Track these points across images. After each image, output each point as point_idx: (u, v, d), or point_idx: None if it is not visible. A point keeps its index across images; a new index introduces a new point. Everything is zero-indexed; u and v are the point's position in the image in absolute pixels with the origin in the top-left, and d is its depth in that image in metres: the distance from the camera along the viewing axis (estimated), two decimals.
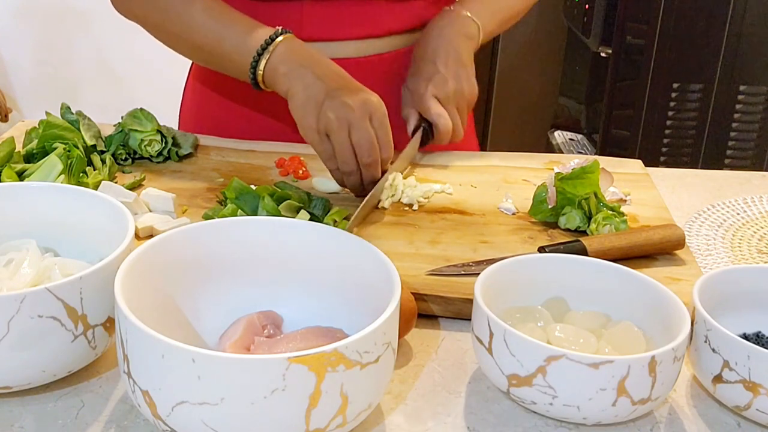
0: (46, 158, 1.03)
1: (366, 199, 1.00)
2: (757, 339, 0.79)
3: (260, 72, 1.02)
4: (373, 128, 0.99)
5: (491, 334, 0.71)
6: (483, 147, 1.38)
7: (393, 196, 1.05)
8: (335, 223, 0.94)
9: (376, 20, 1.15)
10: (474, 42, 1.17)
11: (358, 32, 1.15)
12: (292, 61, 1.01)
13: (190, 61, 1.30)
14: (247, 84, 1.06)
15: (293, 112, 1.01)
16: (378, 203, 1.04)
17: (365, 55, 1.17)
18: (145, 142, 1.12)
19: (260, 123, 1.21)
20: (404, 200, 1.05)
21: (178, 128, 1.31)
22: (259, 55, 1.02)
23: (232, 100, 1.22)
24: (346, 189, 1.05)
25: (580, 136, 2.64)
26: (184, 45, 1.10)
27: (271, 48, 1.02)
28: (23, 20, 2.91)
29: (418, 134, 1.12)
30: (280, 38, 1.02)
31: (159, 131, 1.13)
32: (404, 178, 1.09)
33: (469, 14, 1.17)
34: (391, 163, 1.05)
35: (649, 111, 2.22)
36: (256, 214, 0.95)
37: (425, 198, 1.06)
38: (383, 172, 1.03)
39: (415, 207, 1.04)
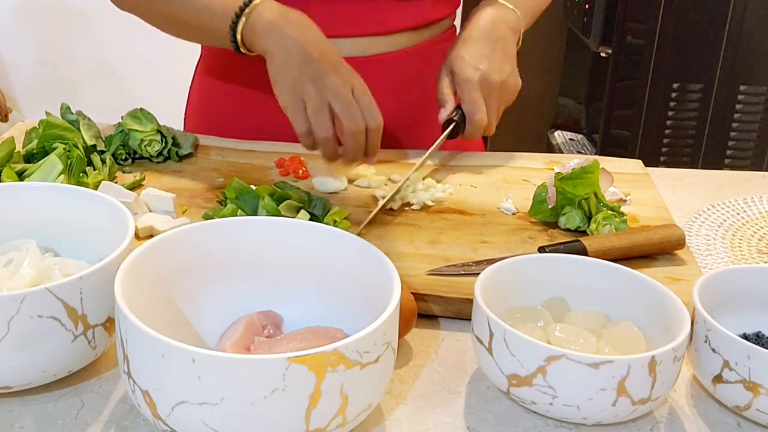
0: (46, 158, 1.03)
1: (379, 205, 0.99)
2: (757, 339, 0.79)
3: (239, 35, 1.01)
4: (355, 98, 0.97)
5: (491, 334, 0.71)
6: (485, 147, 1.38)
7: (402, 198, 1.05)
8: (335, 223, 0.94)
9: (381, 18, 1.15)
10: (517, 35, 1.15)
11: (364, 30, 1.15)
12: (270, 20, 0.99)
13: (195, 60, 1.30)
14: (255, 73, 1.05)
15: (270, 73, 0.99)
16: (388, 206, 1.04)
17: (370, 54, 1.17)
18: (145, 142, 1.12)
19: (267, 115, 1.21)
20: (413, 200, 1.05)
21: (183, 125, 1.31)
22: (238, 17, 1.00)
23: (239, 94, 1.21)
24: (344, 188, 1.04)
25: (580, 136, 2.64)
26: (173, 25, 1.10)
27: (248, 9, 1.00)
28: (23, 20, 2.91)
29: (447, 131, 1.09)
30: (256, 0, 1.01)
31: (159, 131, 1.13)
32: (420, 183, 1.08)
33: (511, 6, 1.15)
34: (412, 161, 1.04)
35: (649, 111, 2.22)
36: (256, 214, 0.95)
37: (433, 202, 1.06)
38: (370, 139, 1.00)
39: (416, 207, 1.04)
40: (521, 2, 1.17)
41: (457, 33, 1.17)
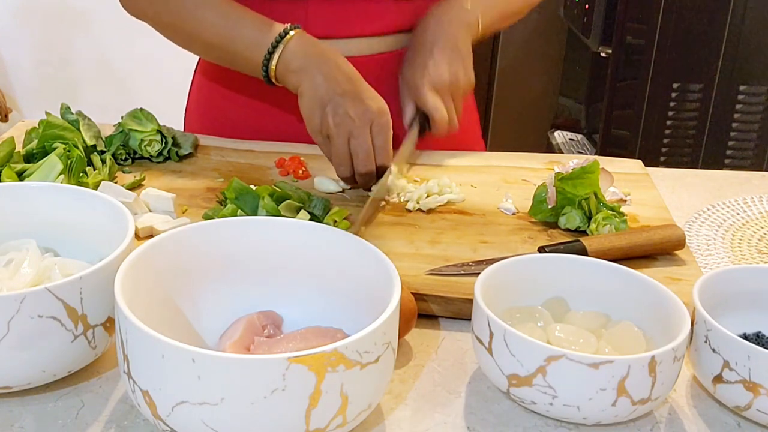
0: (46, 158, 1.03)
1: (368, 201, 1.00)
2: (757, 339, 0.79)
3: (272, 68, 1.03)
4: (372, 136, 1.00)
5: (491, 334, 0.71)
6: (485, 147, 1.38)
7: (408, 202, 1.05)
8: (335, 223, 0.94)
9: (381, 18, 1.15)
10: (472, 30, 1.16)
11: (363, 30, 1.15)
12: (303, 58, 1.02)
13: (194, 60, 1.30)
14: (254, 78, 1.06)
15: (302, 110, 1.03)
16: (382, 204, 1.04)
17: (370, 54, 1.17)
18: (145, 142, 1.12)
19: (267, 116, 1.21)
20: (418, 204, 1.05)
21: (183, 127, 1.32)
22: (271, 51, 1.03)
23: (239, 94, 1.22)
24: (347, 187, 1.06)
25: (580, 136, 2.64)
26: (196, 44, 1.12)
27: (282, 43, 1.03)
28: (23, 20, 2.91)
29: (415, 128, 1.11)
30: (291, 33, 1.03)
31: (159, 131, 1.13)
32: (403, 178, 1.08)
33: (467, 5, 1.16)
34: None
35: (649, 111, 2.22)
36: (256, 214, 0.95)
37: (441, 205, 1.06)
38: (382, 171, 1.02)
39: (410, 206, 1.04)
40: (482, 2, 1.18)
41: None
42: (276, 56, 1.03)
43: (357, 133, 0.99)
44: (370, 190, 1.03)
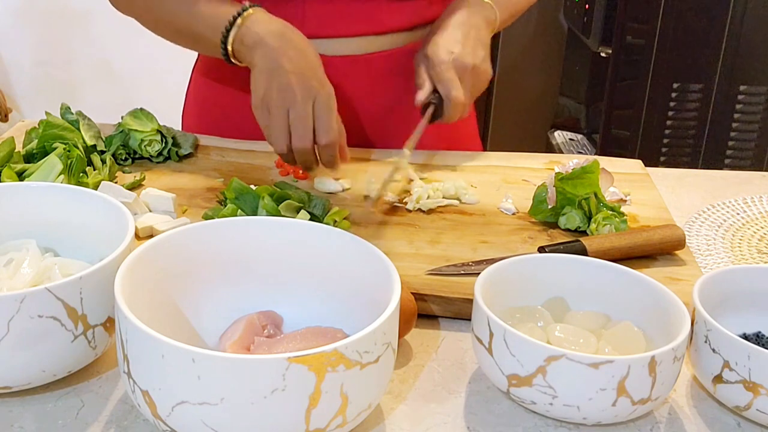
0: (46, 158, 1.03)
1: (382, 183, 1.00)
2: (757, 339, 0.79)
3: (230, 47, 1.03)
4: (314, 113, 0.98)
5: (491, 334, 0.71)
6: (483, 147, 1.38)
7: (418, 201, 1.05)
8: (335, 223, 0.94)
9: (377, 18, 1.15)
10: (492, 27, 1.16)
11: (360, 30, 1.15)
12: (257, 34, 1.01)
13: (193, 60, 1.30)
14: (250, 74, 1.06)
15: (251, 84, 1.01)
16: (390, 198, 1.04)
17: (367, 53, 1.17)
18: (145, 142, 1.12)
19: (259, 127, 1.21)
20: (418, 203, 1.05)
21: (181, 127, 1.31)
22: (228, 29, 1.02)
23: (236, 93, 1.22)
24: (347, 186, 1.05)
25: (580, 136, 2.64)
26: (165, 30, 1.12)
27: (239, 21, 1.02)
28: (23, 20, 2.91)
29: (429, 111, 1.09)
30: (248, 11, 1.03)
31: (159, 131, 1.13)
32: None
33: (489, 1, 1.17)
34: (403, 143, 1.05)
35: (649, 111, 2.22)
36: (255, 214, 0.95)
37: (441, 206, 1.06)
38: (326, 157, 1.00)
39: (410, 206, 1.04)
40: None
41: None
42: (233, 33, 1.02)
43: (297, 106, 0.98)
44: (310, 170, 1.01)
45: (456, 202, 1.06)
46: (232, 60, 1.04)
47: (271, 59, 0.99)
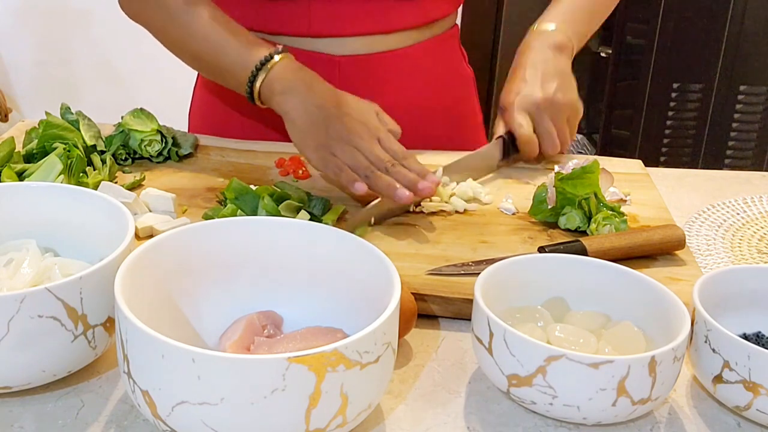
0: (46, 158, 1.03)
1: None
2: (757, 339, 0.79)
3: (257, 88, 1.03)
4: (383, 147, 0.99)
5: (491, 334, 0.71)
6: None
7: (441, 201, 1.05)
8: (344, 219, 0.94)
9: (382, 17, 1.15)
10: (567, 51, 1.16)
11: (365, 29, 1.15)
12: (288, 80, 1.02)
13: None
14: None
15: (292, 136, 1.01)
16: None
17: (373, 52, 1.17)
18: (145, 142, 1.12)
19: (270, 114, 1.21)
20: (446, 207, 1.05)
21: (188, 126, 1.32)
22: (257, 70, 1.02)
23: (235, 108, 1.22)
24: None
25: (580, 136, 2.64)
26: (185, 52, 1.11)
27: (269, 65, 1.02)
28: (23, 20, 2.91)
29: (493, 144, 1.12)
30: (277, 57, 1.03)
31: (159, 131, 1.13)
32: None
33: (551, 27, 1.17)
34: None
35: (649, 111, 2.23)
36: (255, 214, 0.95)
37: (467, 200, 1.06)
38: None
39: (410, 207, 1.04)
40: (567, 15, 1.18)
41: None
42: (261, 77, 1.02)
43: (368, 148, 0.97)
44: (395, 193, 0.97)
45: (474, 206, 1.05)
46: (257, 102, 1.05)
47: (314, 111, 0.99)
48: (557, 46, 1.15)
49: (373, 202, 0.99)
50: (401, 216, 1.02)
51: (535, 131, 1.12)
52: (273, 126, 1.21)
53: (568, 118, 1.14)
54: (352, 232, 0.93)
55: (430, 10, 1.18)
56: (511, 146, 1.13)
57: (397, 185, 0.96)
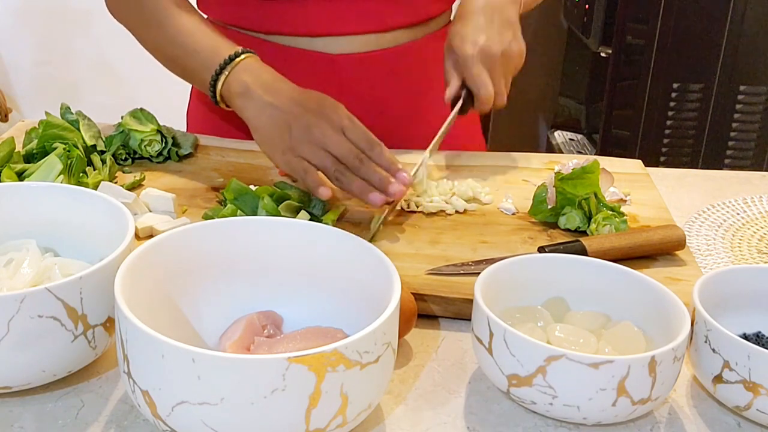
0: (46, 158, 1.03)
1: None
2: (757, 339, 0.79)
3: (218, 89, 1.03)
4: (349, 138, 0.95)
5: (491, 334, 0.71)
6: (485, 147, 1.38)
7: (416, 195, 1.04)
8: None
9: (379, 16, 1.16)
10: (518, 5, 1.12)
11: (362, 28, 1.16)
12: (245, 82, 1.00)
13: None
14: None
15: (257, 141, 1.00)
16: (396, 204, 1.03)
17: (369, 50, 1.17)
18: (145, 142, 1.12)
19: None
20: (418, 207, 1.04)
21: (186, 126, 1.32)
22: (219, 71, 1.02)
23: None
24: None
25: (580, 136, 2.64)
26: (160, 56, 1.12)
27: (229, 66, 1.02)
28: (23, 20, 2.91)
29: (456, 108, 1.08)
30: (240, 57, 1.02)
31: (159, 131, 1.13)
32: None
33: None
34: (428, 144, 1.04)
35: (649, 111, 2.22)
36: (255, 215, 0.95)
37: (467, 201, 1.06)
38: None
39: (410, 206, 1.04)
40: None
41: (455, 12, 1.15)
42: (222, 78, 1.02)
43: (334, 142, 0.94)
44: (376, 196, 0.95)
45: (474, 206, 1.05)
46: (221, 105, 1.04)
47: (272, 113, 0.97)
48: None
49: (383, 215, 0.99)
50: (401, 216, 1.02)
51: None
52: None
53: (514, 67, 1.10)
54: (371, 238, 0.94)
55: (423, 9, 1.19)
56: (468, 101, 1.08)
57: (370, 189, 0.94)
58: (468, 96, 1.08)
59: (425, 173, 1.04)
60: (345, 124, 0.96)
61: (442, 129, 1.07)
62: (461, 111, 1.09)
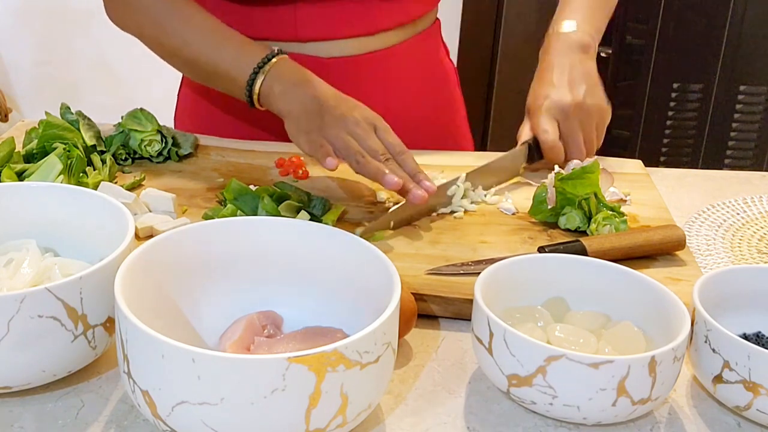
0: (46, 158, 1.03)
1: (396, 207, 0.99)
2: (757, 339, 0.79)
3: (256, 91, 1.02)
4: (380, 138, 0.97)
5: (491, 334, 0.71)
6: (483, 147, 1.38)
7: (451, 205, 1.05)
8: (344, 220, 0.94)
9: (368, 19, 1.16)
10: (591, 51, 1.14)
11: (352, 31, 1.16)
12: (287, 81, 1.01)
13: None
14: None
15: (289, 130, 1.00)
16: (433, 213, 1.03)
17: (359, 53, 1.18)
18: (145, 142, 1.12)
19: (254, 128, 1.21)
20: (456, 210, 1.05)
21: (174, 126, 1.31)
22: (255, 74, 1.01)
23: (224, 104, 1.22)
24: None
25: None
26: (179, 60, 1.10)
27: (266, 68, 1.01)
28: (23, 20, 2.91)
29: (518, 149, 1.11)
30: (275, 59, 1.02)
31: (159, 131, 1.13)
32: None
33: (572, 26, 1.14)
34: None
35: (649, 111, 2.23)
36: (255, 215, 0.95)
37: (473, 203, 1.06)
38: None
39: (458, 215, 1.04)
40: (585, 12, 1.15)
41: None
42: (260, 80, 1.01)
43: (363, 136, 0.96)
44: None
45: (474, 206, 1.05)
46: (256, 105, 1.03)
47: (309, 103, 0.98)
48: (582, 47, 1.13)
49: (393, 207, 0.99)
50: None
51: (561, 137, 1.10)
52: (261, 126, 1.21)
53: (596, 123, 1.12)
54: (370, 236, 0.94)
55: (414, 10, 1.19)
56: (536, 151, 1.11)
57: (386, 170, 0.94)
58: (534, 143, 1.11)
59: (459, 194, 1.05)
60: (378, 124, 0.98)
61: (488, 164, 1.08)
62: (529, 160, 1.11)
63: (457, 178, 1.04)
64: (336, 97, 1.00)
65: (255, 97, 1.02)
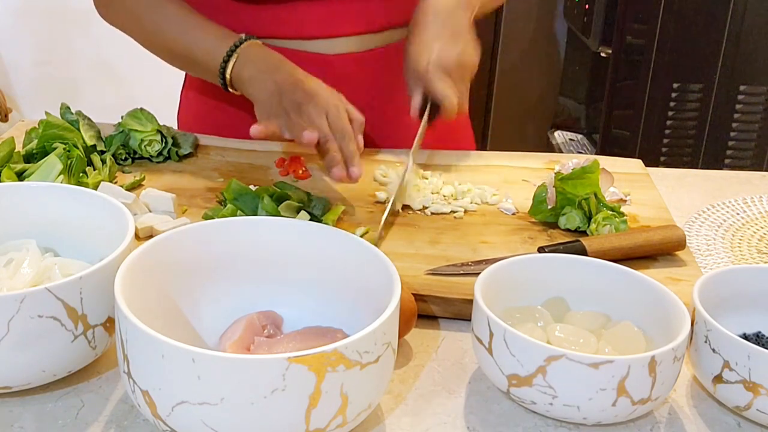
0: (46, 158, 1.03)
1: (389, 202, 1.00)
2: (757, 339, 0.79)
3: (228, 76, 1.07)
4: (329, 122, 0.99)
5: (491, 334, 0.71)
6: (483, 147, 1.38)
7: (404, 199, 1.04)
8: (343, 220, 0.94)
9: (371, 16, 1.17)
10: (470, 10, 1.13)
11: (355, 29, 1.17)
12: (254, 68, 1.06)
13: None
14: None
15: (257, 113, 1.04)
16: (398, 207, 1.04)
17: (363, 50, 1.18)
18: (145, 142, 1.12)
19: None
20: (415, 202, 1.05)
21: (177, 126, 1.31)
22: (226, 60, 1.07)
23: (228, 104, 1.22)
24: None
25: (580, 136, 2.64)
26: (159, 50, 1.16)
27: (237, 52, 1.07)
28: (23, 20, 2.91)
29: (425, 118, 1.08)
30: (244, 44, 1.07)
31: (159, 131, 1.13)
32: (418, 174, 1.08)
33: None
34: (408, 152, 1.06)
35: (649, 111, 2.22)
36: (255, 215, 0.95)
37: (473, 203, 1.06)
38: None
39: (458, 215, 1.04)
40: None
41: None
42: (231, 64, 1.07)
43: (314, 111, 0.99)
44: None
45: (474, 206, 1.05)
46: (230, 89, 1.09)
47: (271, 88, 1.02)
48: (464, 3, 1.11)
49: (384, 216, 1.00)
50: (401, 216, 1.02)
51: None
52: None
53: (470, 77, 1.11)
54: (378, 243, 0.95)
55: (412, 6, 1.19)
56: (434, 113, 1.08)
57: (339, 160, 0.97)
58: (434, 107, 1.08)
59: (410, 179, 1.05)
60: (331, 110, 1.00)
61: (416, 142, 1.08)
62: (429, 120, 1.09)
63: (407, 167, 1.05)
64: (296, 81, 1.03)
65: (228, 81, 1.08)
